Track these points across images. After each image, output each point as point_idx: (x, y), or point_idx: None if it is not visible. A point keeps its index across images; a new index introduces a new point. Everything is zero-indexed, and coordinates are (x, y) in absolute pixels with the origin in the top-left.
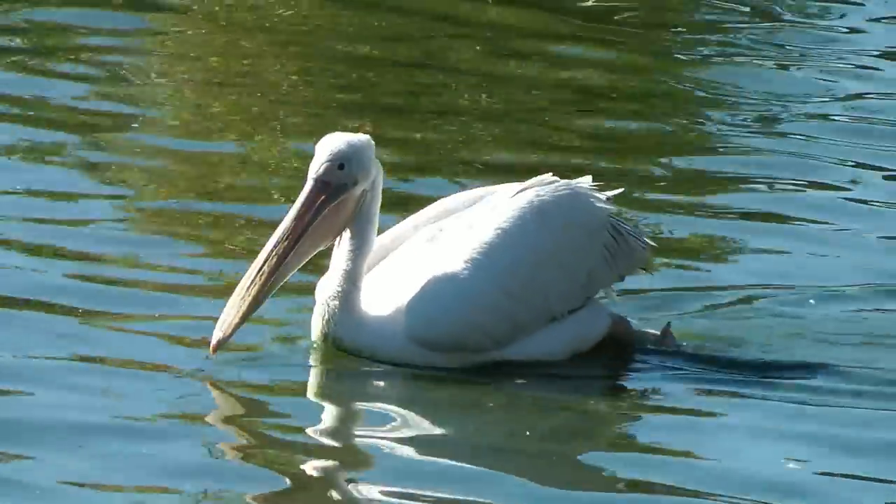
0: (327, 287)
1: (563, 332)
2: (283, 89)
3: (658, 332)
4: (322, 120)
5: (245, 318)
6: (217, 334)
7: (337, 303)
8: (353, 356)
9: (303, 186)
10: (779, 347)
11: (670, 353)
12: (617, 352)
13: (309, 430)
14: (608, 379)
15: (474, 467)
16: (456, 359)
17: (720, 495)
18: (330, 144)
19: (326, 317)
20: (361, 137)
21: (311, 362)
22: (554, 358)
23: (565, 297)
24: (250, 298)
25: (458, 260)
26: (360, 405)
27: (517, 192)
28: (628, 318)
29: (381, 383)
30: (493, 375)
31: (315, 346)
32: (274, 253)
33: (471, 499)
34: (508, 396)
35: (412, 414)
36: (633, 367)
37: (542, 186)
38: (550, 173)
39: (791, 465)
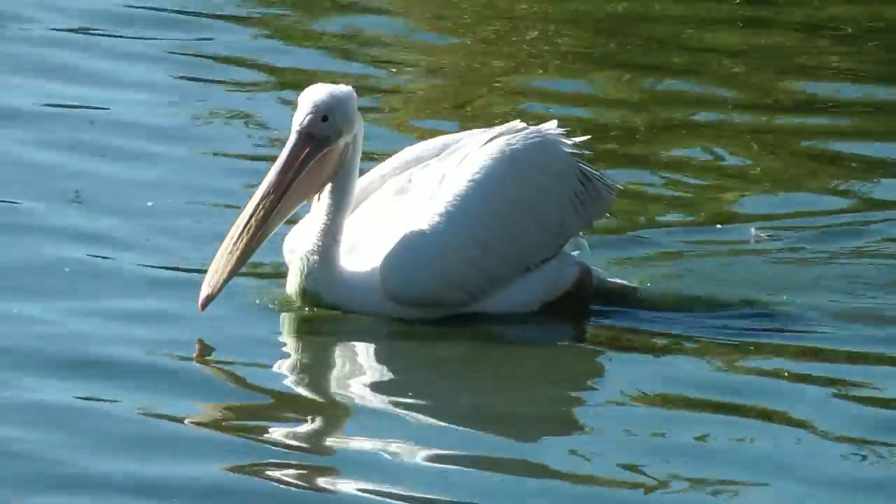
0: (306, 241)
1: (536, 282)
2: None
3: (619, 283)
4: None
5: (233, 273)
6: (206, 290)
7: (317, 258)
8: (330, 309)
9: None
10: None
11: (628, 302)
12: (578, 300)
13: (286, 385)
14: (573, 327)
15: (453, 427)
16: (432, 312)
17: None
18: (313, 96)
19: (306, 271)
20: (344, 88)
21: (286, 316)
22: (528, 309)
23: (538, 246)
24: (238, 253)
25: (432, 214)
26: (336, 359)
27: (487, 141)
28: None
29: (357, 339)
30: (465, 325)
31: (292, 299)
32: (261, 207)
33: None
34: (482, 349)
35: (388, 369)
36: (595, 316)
37: (512, 134)
38: (518, 120)
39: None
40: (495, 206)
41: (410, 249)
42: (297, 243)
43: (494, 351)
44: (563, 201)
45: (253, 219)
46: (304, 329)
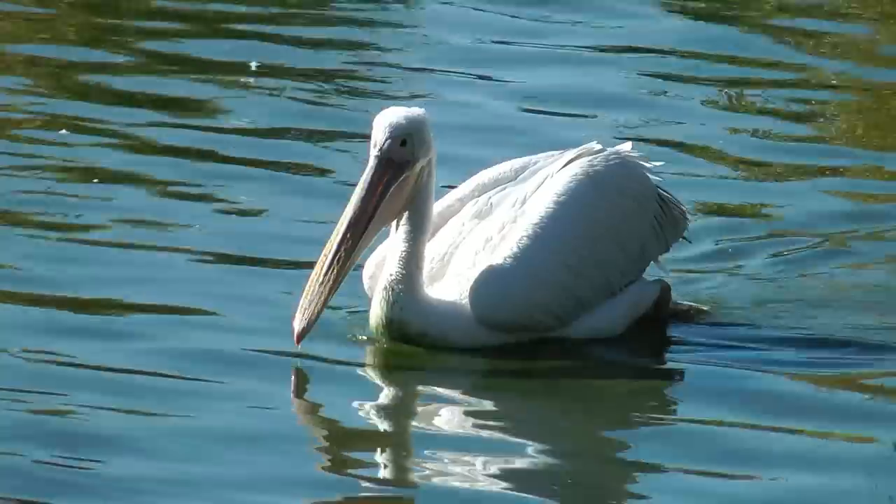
0: (387, 270)
1: (620, 306)
2: None
3: (686, 305)
4: None
5: (325, 305)
6: (300, 324)
7: (402, 286)
8: (411, 344)
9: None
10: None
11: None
12: (655, 320)
13: (371, 418)
14: (652, 350)
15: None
16: (520, 337)
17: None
18: (390, 119)
19: (391, 300)
20: (419, 111)
21: (370, 349)
22: (612, 333)
23: (623, 270)
24: (330, 284)
25: (520, 238)
26: (421, 391)
27: (566, 163)
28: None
29: (441, 371)
30: (547, 352)
31: (376, 330)
32: (348, 236)
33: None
34: (567, 377)
35: (476, 400)
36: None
37: (592, 156)
38: (595, 141)
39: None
40: (582, 229)
41: (501, 273)
42: (377, 272)
43: (578, 379)
44: (644, 224)
45: (342, 248)
46: (387, 361)
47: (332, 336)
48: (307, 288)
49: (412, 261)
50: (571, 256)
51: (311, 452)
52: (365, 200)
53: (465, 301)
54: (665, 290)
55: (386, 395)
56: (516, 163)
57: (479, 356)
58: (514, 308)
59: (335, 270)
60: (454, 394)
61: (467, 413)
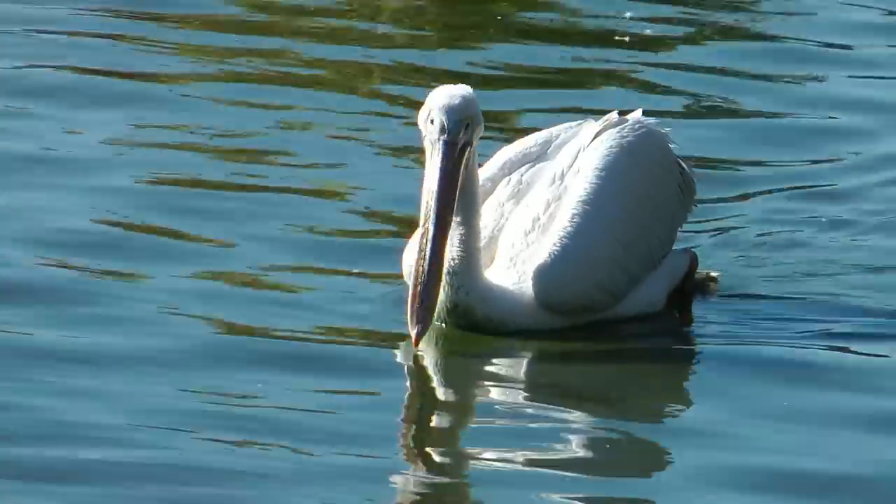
0: (447, 255)
1: (661, 279)
2: None
3: (703, 274)
4: None
5: (437, 297)
6: (416, 326)
7: (465, 270)
8: (472, 330)
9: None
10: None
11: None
12: (684, 293)
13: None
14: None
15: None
16: (580, 317)
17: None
18: (451, 102)
19: (456, 285)
20: (468, 89)
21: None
22: (656, 308)
23: (662, 241)
24: (436, 281)
25: (570, 217)
26: (477, 375)
27: (595, 136)
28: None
29: (500, 356)
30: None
31: (437, 317)
32: (440, 228)
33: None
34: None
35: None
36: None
37: (620, 127)
38: (615, 111)
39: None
40: (625, 202)
41: (560, 257)
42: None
43: (625, 362)
44: (672, 192)
45: (438, 243)
46: (445, 347)
47: (383, 321)
48: (412, 289)
49: (471, 243)
50: (620, 230)
51: (368, 441)
52: (448, 190)
53: (526, 285)
54: (694, 259)
55: (441, 380)
56: (539, 137)
57: (534, 338)
58: (576, 289)
59: (437, 266)
60: (510, 377)
61: (527, 398)
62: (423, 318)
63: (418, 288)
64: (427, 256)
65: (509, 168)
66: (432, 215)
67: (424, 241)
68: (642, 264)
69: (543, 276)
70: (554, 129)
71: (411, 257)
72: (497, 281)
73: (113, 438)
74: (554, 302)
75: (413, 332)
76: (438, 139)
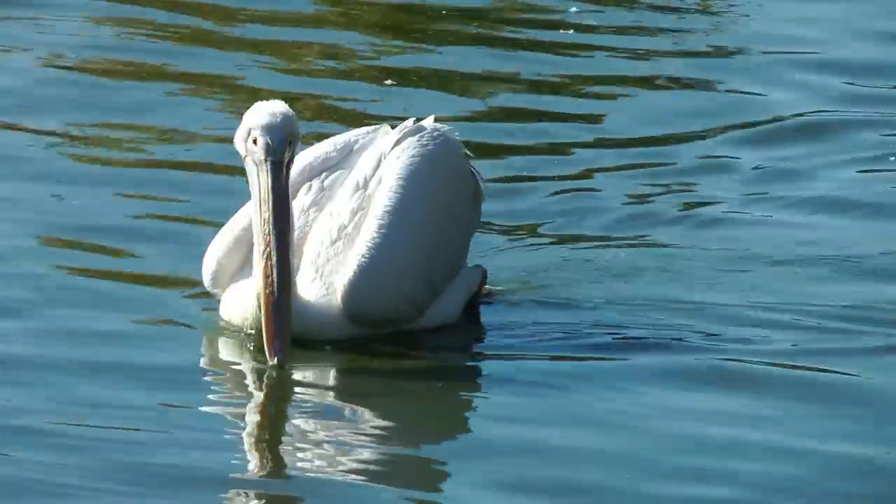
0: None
1: (459, 291)
2: None
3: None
4: None
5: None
6: (276, 352)
7: None
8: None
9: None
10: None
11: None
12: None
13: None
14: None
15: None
16: (384, 329)
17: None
18: (273, 120)
19: None
20: (283, 105)
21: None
22: (453, 319)
23: (460, 248)
24: (286, 302)
25: (376, 228)
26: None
27: (395, 144)
28: None
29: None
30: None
31: (245, 327)
32: (282, 253)
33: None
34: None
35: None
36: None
37: (419, 135)
38: (413, 118)
39: None
40: (429, 211)
41: (366, 268)
42: (221, 264)
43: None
44: (467, 199)
45: (279, 266)
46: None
47: (185, 339)
48: (264, 315)
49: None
50: (424, 239)
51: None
52: (284, 211)
53: (334, 297)
54: (484, 272)
55: (253, 392)
56: (337, 142)
57: (341, 349)
58: (383, 301)
59: (287, 290)
60: (315, 386)
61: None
62: (282, 347)
63: (271, 316)
64: (276, 282)
65: (309, 173)
66: (273, 239)
67: (269, 265)
68: (444, 274)
69: (350, 290)
70: (351, 135)
71: (211, 264)
72: (303, 292)
73: None
74: (361, 314)
75: (275, 360)
76: (266, 160)
